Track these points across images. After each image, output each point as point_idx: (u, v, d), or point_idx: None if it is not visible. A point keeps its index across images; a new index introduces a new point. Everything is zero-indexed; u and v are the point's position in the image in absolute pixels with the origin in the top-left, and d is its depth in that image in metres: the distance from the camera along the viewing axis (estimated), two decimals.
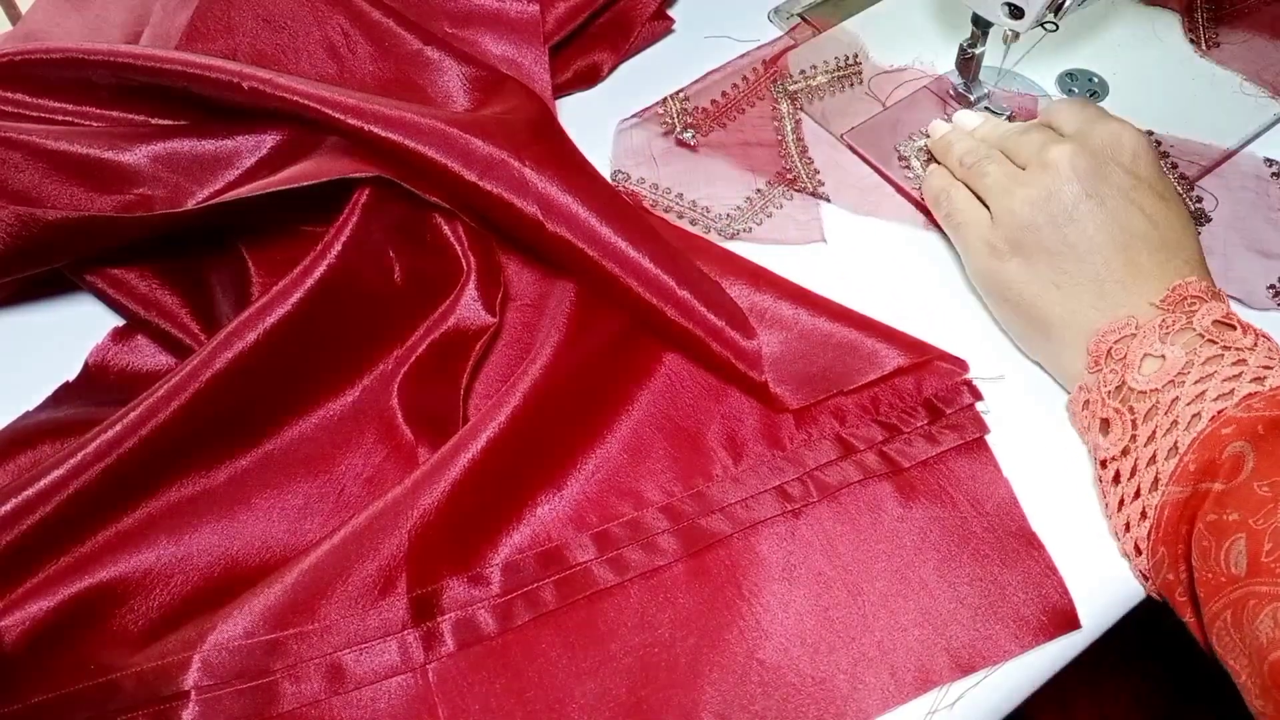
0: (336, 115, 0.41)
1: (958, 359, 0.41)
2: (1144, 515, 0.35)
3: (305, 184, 0.41)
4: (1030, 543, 0.37)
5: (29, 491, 0.36)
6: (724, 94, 0.52)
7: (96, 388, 0.44)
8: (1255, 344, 0.36)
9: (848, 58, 0.53)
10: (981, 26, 0.48)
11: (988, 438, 0.39)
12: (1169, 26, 0.56)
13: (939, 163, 0.47)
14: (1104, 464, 0.37)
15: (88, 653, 0.36)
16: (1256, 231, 0.46)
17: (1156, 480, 0.35)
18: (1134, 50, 0.55)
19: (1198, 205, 0.47)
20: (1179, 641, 0.36)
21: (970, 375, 0.40)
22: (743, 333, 0.41)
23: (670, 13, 0.56)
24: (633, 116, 0.51)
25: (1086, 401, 0.38)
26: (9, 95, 0.45)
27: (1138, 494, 0.35)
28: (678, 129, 0.50)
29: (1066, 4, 0.45)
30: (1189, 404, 0.34)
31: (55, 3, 0.52)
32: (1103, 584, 0.36)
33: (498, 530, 0.38)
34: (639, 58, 0.55)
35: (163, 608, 0.38)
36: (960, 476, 0.39)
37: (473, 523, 0.38)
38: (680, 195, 0.48)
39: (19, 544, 0.36)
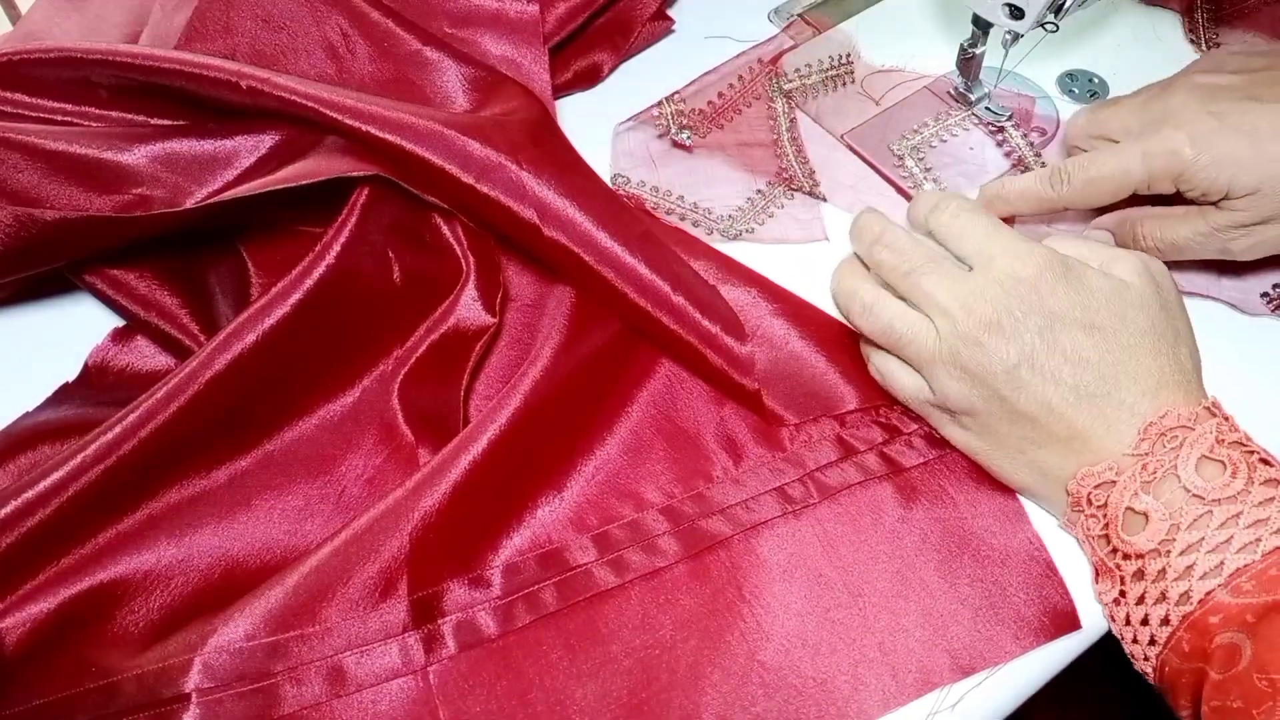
0: (335, 115, 0.41)
1: None
2: (1145, 657, 0.34)
3: (304, 183, 0.41)
4: (1031, 543, 0.37)
5: (29, 494, 0.36)
6: (720, 94, 0.52)
7: (96, 388, 0.44)
8: (1247, 486, 0.32)
9: (841, 57, 0.53)
10: (981, 27, 0.48)
11: None
12: (1170, 27, 0.56)
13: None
14: (1101, 601, 0.36)
15: (88, 655, 0.36)
16: None
17: (1153, 639, 0.33)
18: (1134, 50, 0.55)
19: None
20: None
21: None
22: (736, 338, 0.40)
23: (670, 13, 0.56)
24: (630, 119, 0.51)
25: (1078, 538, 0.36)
26: (8, 95, 0.45)
27: (1135, 640, 0.34)
28: (673, 130, 0.50)
29: (1066, 4, 0.45)
30: (1176, 580, 0.32)
31: (55, 3, 0.51)
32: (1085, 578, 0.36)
33: (498, 532, 0.38)
34: (639, 58, 0.55)
35: (163, 609, 0.38)
36: (960, 477, 0.39)
37: (473, 525, 0.38)
38: (681, 198, 0.48)
39: (19, 546, 0.36)
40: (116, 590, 0.37)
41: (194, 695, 0.34)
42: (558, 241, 0.41)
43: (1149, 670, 0.34)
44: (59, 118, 0.45)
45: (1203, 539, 0.32)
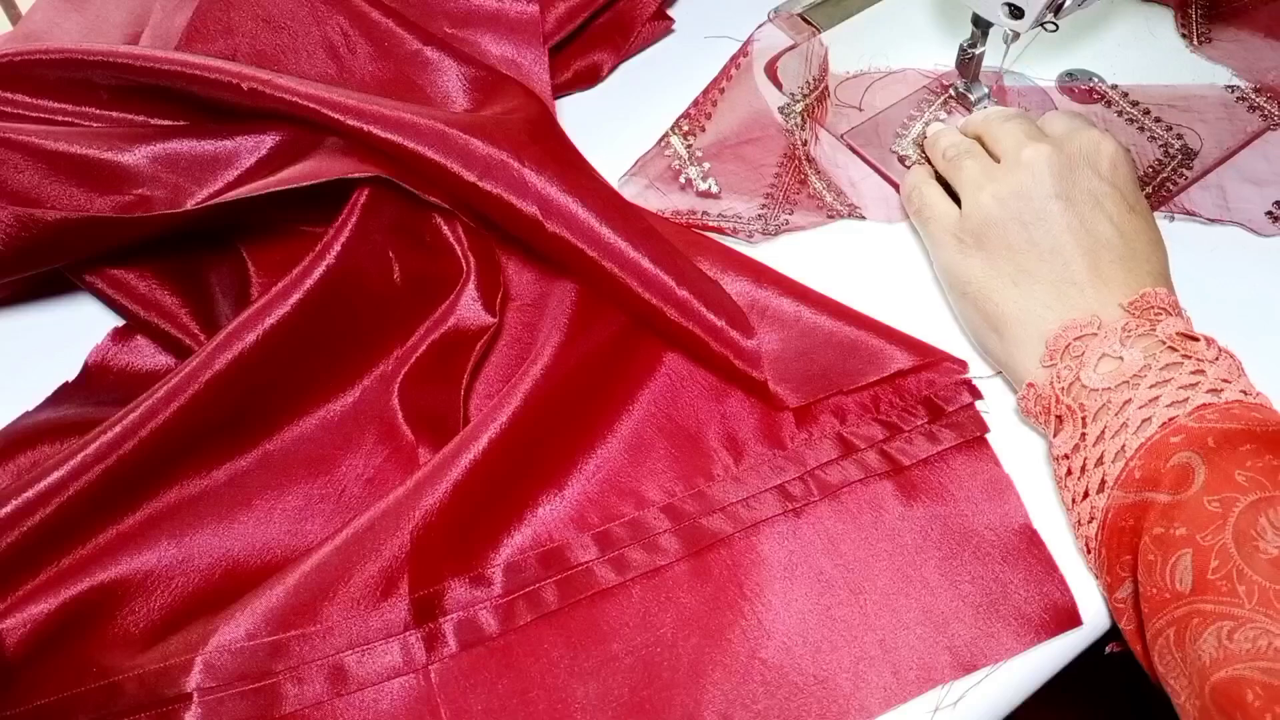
0: (335, 116, 0.41)
1: (958, 359, 0.41)
2: (1091, 517, 0.35)
3: (305, 184, 0.41)
4: (1031, 540, 0.37)
5: (29, 493, 0.36)
6: (730, 127, 0.50)
7: (96, 388, 0.44)
8: (1217, 357, 0.35)
9: (809, 81, 0.52)
10: (981, 27, 0.48)
11: (988, 436, 0.39)
12: (1163, 22, 0.56)
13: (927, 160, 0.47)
14: (1058, 460, 0.37)
15: (90, 655, 0.36)
16: (1242, 160, 0.47)
17: (1104, 482, 0.34)
18: (1133, 49, 0.55)
19: (1181, 142, 0.48)
20: None
21: (969, 375, 0.41)
22: (742, 332, 0.40)
23: (670, 13, 0.56)
24: (633, 168, 0.49)
25: (1038, 397, 0.38)
26: (9, 96, 0.45)
27: (1086, 494, 0.35)
28: (691, 174, 0.48)
29: (1066, 4, 0.45)
30: (1141, 407, 0.34)
31: (55, 4, 0.51)
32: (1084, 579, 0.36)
33: (499, 531, 0.38)
34: (639, 58, 0.55)
35: (164, 609, 0.38)
36: (961, 474, 0.39)
37: (474, 523, 0.38)
38: (705, 213, 0.48)
39: (20, 545, 0.36)
40: (117, 590, 0.37)
41: (195, 694, 0.34)
42: (560, 237, 0.41)
43: (1090, 533, 0.35)
44: (60, 118, 0.45)
45: (1173, 379, 0.34)
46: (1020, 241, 0.39)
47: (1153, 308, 0.36)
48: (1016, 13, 0.45)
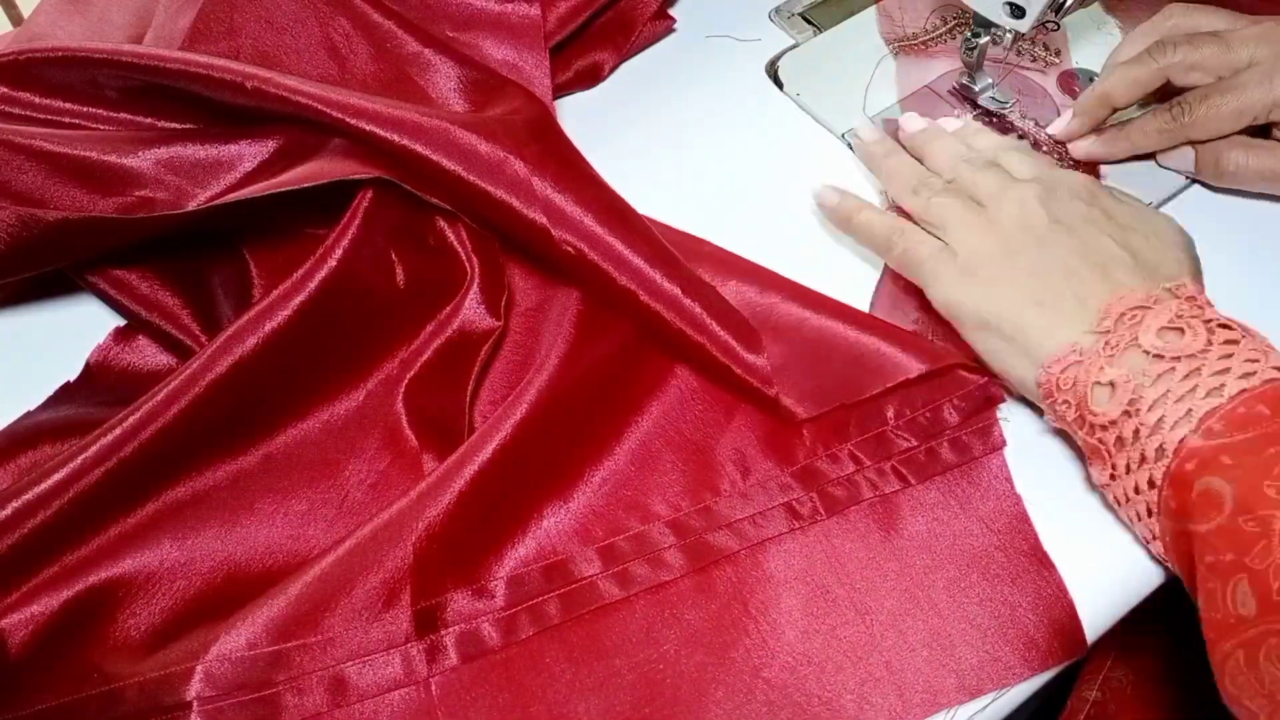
0: (338, 115, 0.41)
1: (978, 368, 0.39)
2: (1153, 535, 0.34)
3: (307, 185, 0.40)
4: (1042, 562, 0.37)
5: (30, 494, 0.36)
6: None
7: (98, 388, 0.43)
8: (1207, 345, 0.33)
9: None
10: (983, 25, 0.48)
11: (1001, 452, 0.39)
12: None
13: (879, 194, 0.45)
14: (1103, 487, 0.36)
15: (91, 659, 0.36)
16: None
17: (1149, 508, 0.34)
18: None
19: None
20: None
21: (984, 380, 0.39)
22: (751, 346, 0.40)
23: (671, 12, 0.56)
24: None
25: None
26: (16, 95, 0.45)
27: (1138, 517, 0.35)
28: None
29: (1067, 3, 0.44)
30: (1149, 436, 0.33)
31: (58, 5, 0.51)
32: (1094, 599, 0.36)
33: (502, 543, 0.38)
34: (640, 57, 0.54)
35: (165, 612, 0.38)
36: (971, 494, 0.38)
37: (477, 535, 0.37)
38: None
39: (21, 546, 0.36)
40: (118, 592, 0.37)
41: (195, 703, 0.34)
42: (566, 240, 0.41)
43: (1161, 550, 0.34)
44: (66, 119, 0.45)
45: (1168, 390, 0.33)
46: (1030, 267, 0.38)
47: (1127, 312, 0.35)
48: (1018, 12, 0.44)
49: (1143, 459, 0.33)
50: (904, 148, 0.46)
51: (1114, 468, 0.35)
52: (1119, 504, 0.36)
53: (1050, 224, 0.39)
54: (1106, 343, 0.35)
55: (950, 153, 0.44)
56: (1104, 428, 0.34)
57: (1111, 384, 0.34)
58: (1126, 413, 0.34)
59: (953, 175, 0.43)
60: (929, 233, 0.41)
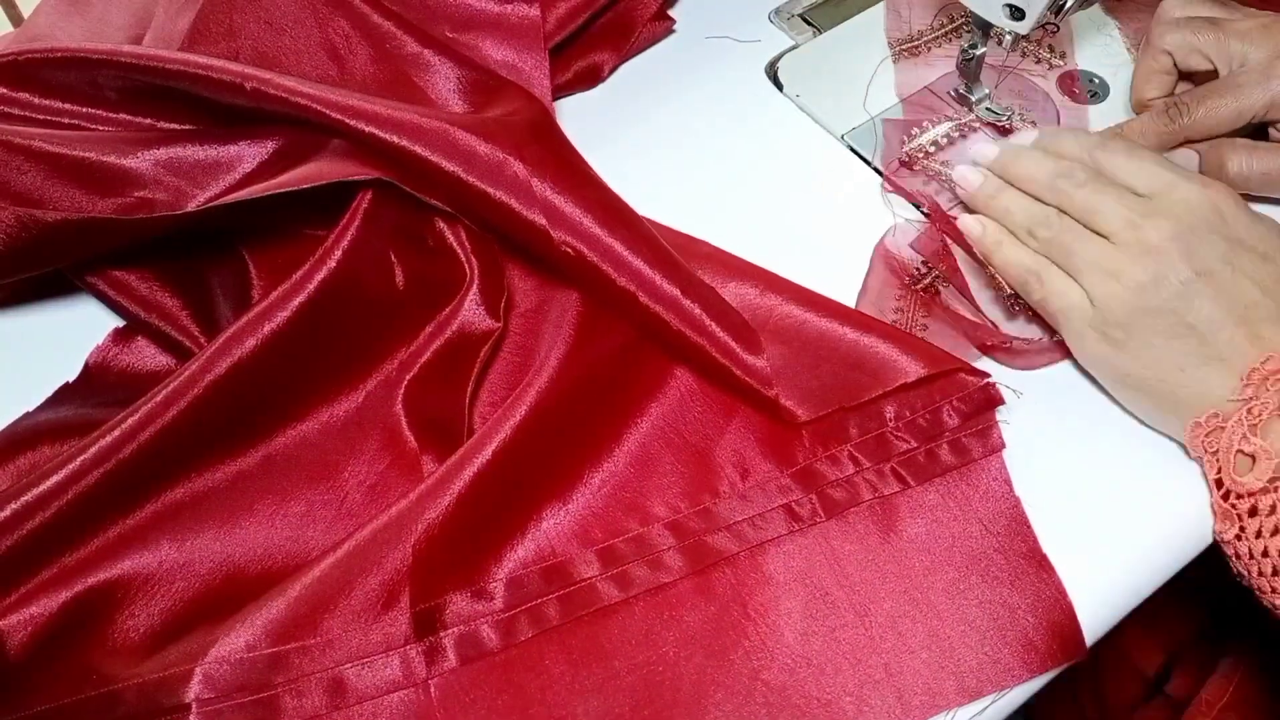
0: (338, 116, 0.41)
1: (978, 370, 0.39)
2: (1275, 591, 0.35)
3: (307, 186, 0.40)
4: (1041, 564, 0.37)
5: (29, 495, 0.36)
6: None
7: (97, 388, 0.43)
8: None
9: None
10: (982, 28, 0.48)
11: (1001, 454, 0.39)
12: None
13: (992, 218, 0.43)
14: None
15: (90, 661, 0.36)
16: None
17: (1275, 570, 0.34)
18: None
19: None
20: None
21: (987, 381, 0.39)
22: (751, 348, 0.40)
23: (671, 13, 0.56)
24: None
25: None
26: (16, 95, 0.45)
27: (1260, 573, 0.35)
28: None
29: (1067, 5, 0.44)
30: None
31: (58, 6, 0.51)
32: (1093, 602, 0.36)
33: (502, 545, 0.38)
34: (640, 58, 0.54)
35: (164, 614, 0.38)
36: (971, 496, 0.38)
37: (477, 537, 0.37)
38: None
39: (20, 548, 0.36)
40: (117, 593, 0.37)
41: (194, 705, 0.34)
42: (565, 241, 0.41)
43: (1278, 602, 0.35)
44: (66, 120, 0.45)
45: None
46: (1172, 327, 0.37)
47: (1270, 376, 0.35)
48: (1018, 14, 0.44)
49: (1276, 530, 0.33)
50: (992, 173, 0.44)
51: (1243, 530, 0.35)
52: (1238, 558, 0.36)
53: (1190, 277, 0.37)
54: (1249, 409, 0.35)
55: (1044, 172, 0.42)
56: (1240, 497, 0.35)
57: (1253, 456, 0.34)
58: (1265, 489, 0.34)
59: (1056, 200, 0.41)
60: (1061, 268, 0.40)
